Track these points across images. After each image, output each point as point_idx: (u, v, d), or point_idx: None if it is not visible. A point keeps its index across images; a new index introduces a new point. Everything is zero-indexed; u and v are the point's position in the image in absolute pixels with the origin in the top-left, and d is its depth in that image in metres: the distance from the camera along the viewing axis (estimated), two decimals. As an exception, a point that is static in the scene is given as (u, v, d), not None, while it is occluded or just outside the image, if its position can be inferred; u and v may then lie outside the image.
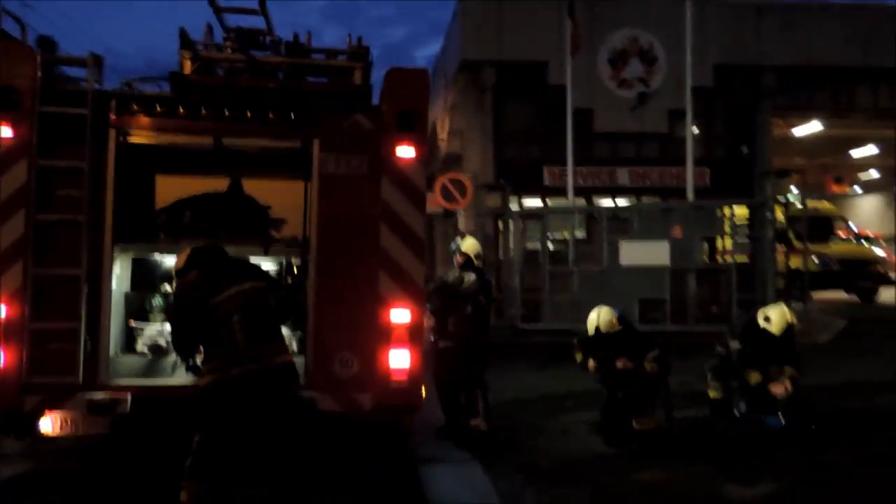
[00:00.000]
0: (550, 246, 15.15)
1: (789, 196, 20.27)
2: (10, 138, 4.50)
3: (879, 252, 21.00)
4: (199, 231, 5.07)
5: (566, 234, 16.24)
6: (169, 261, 5.40)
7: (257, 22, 5.02)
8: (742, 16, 18.83)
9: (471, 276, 6.24)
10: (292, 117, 4.82)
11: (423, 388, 4.91)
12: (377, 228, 4.84)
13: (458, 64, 18.14)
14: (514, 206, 17.22)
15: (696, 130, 17.54)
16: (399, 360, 4.79)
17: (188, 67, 4.74)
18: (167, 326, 5.13)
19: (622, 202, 18.60)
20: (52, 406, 4.52)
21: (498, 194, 16.91)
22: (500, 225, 17.27)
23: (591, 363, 6.69)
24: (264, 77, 4.89)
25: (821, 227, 17.94)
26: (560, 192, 17.58)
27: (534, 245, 16.23)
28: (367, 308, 4.83)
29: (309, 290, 4.87)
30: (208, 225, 5.09)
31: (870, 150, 26.71)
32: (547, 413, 7.62)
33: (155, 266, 5.42)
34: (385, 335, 4.80)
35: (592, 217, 16.13)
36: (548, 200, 18.37)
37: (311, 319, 4.85)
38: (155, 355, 5.03)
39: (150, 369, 4.99)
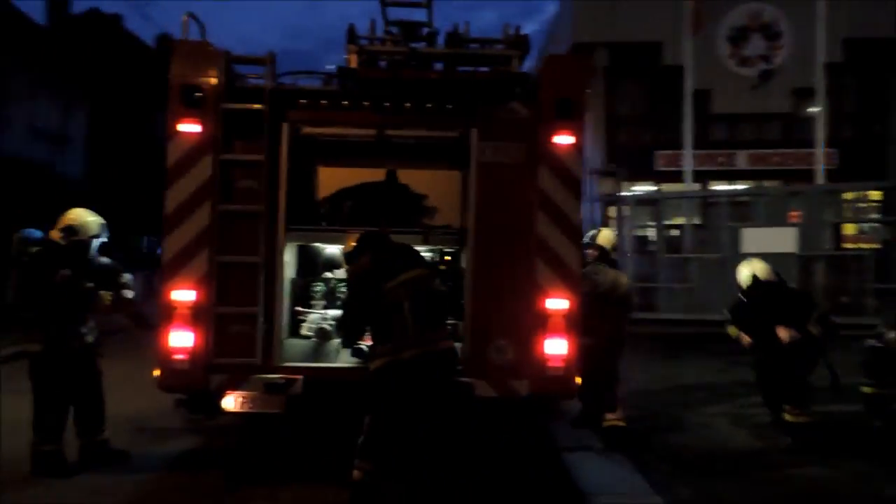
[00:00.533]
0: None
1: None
2: (197, 134, 4.83)
3: None
4: (359, 220, 5.28)
5: (680, 221, 15.81)
6: (330, 249, 5.66)
7: (414, 14, 5.18)
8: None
9: (624, 279, 6.16)
10: (451, 108, 4.94)
11: (577, 376, 4.94)
12: (534, 216, 4.88)
13: (571, 46, 17.90)
14: (623, 192, 16.93)
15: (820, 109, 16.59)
16: (556, 347, 4.83)
17: (353, 61, 4.92)
18: (330, 312, 5.42)
19: (740, 187, 17.91)
20: (234, 386, 4.86)
21: (610, 180, 16.65)
22: (611, 211, 17.01)
23: (745, 338, 6.28)
24: (425, 68, 5.01)
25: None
26: (673, 177, 17.14)
27: (643, 232, 15.91)
28: (524, 296, 4.89)
29: (466, 278, 4.98)
30: (368, 214, 5.29)
31: None
32: (679, 404, 7.49)
33: (317, 254, 5.69)
34: (542, 323, 4.85)
35: (708, 203, 15.62)
36: (661, 186, 17.92)
37: (467, 307, 4.97)
38: (320, 340, 5.29)
39: (316, 353, 5.26)
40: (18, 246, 5.23)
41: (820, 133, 14.91)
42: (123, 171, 24.87)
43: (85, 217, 5.25)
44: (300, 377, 4.85)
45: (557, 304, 4.85)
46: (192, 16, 4.95)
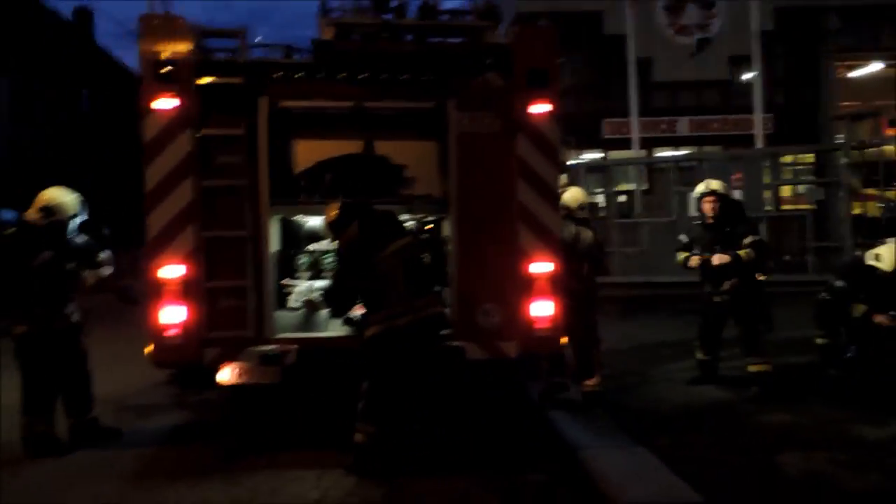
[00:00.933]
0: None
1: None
2: (173, 109, 4.77)
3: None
4: (339, 192, 5.32)
5: (628, 187, 16.25)
6: (312, 222, 5.68)
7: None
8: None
9: (588, 233, 6.14)
10: (427, 79, 5.01)
11: (563, 335, 5.14)
12: (515, 184, 5.03)
13: (513, 17, 18.00)
14: (572, 161, 17.26)
15: (756, 75, 17.23)
16: (542, 309, 5.03)
17: (328, 34, 4.92)
18: (315, 283, 5.47)
19: (683, 153, 18.50)
20: (229, 358, 4.88)
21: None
22: (563, 179, 17.30)
23: (693, 260, 6.50)
24: (399, 40, 5.05)
25: (885, 172, 17.66)
26: (619, 144, 17.56)
27: (593, 199, 16.28)
28: (509, 261, 5.05)
29: (451, 245, 5.10)
30: (348, 186, 5.33)
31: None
32: (646, 362, 7.79)
33: (299, 227, 5.71)
34: (527, 286, 5.03)
35: (654, 169, 16.10)
36: (608, 153, 18.35)
37: (453, 273, 5.10)
38: (308, 310, 5.34)
39: (305, 324, 5.32)
40: None
41: (757, 99, 15.54)
42: (49, 146, 23.97)
43: (62, 196, 5.17)
44: (294, 347, 4.91)
45: (542, 267, 5.03)
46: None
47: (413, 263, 4.55)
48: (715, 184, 6.67)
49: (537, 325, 5.05)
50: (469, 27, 5.10)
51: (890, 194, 17.61)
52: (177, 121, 4.77)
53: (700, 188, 6.71)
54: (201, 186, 4.81)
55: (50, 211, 5.08)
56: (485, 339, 5.08)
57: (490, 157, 5.08)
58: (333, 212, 4.75)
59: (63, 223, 5.12)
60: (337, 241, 4.77)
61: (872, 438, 5.05)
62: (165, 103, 4.74)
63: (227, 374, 4.90)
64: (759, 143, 15.20)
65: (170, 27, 4.78)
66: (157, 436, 5.46)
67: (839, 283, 6.53)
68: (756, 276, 6.47)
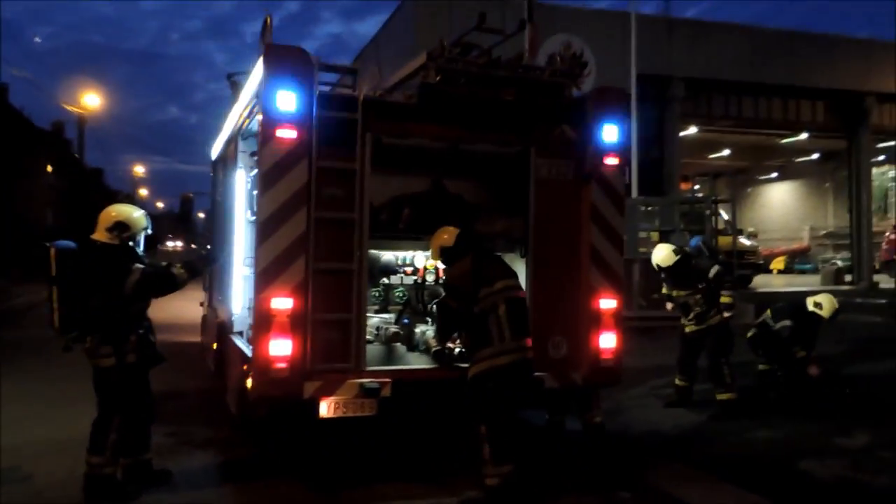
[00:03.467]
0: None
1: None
2: (293, 140, 4.73)
3: (748, 242, 24.32)
4: (417, 228, 5.51)
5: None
6: (386, 256, 5.75)
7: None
8: (655, 29, 20.93)
9: None
10: (515, 127, 5.43)
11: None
12: (587, 227, 5.55)
13: (410, 48, 18.60)
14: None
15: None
16: (608, 341, 5.56)
17: (431, 77, 5.14)
18: (387, 316, 5.57)
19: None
20: (327, 392, 4.83)
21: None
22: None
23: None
24: (494, 89, 5.38)
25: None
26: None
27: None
28: (579, 297, 5.55)
29: (527, 282, 5.48)
30: (425, 222, 5.51)
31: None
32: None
33: (375, 260, 5.72)
34: (595, 321, 5.54)
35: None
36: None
37: (529, 308, 5.47)
38: (389, 344, 5.43)
39: (389, 356, 5.39)
40: (59, 261, 4.73)
41: (633, 153, 17.39)
42: None
43: (131, 212, 4.96)
44: (387, 380, 4.99)
45: (608, 303, 5.58)
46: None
47: (517, 303, 4.84)
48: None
49: (603, 357, 5.57)
50: (553, 83, 5.53)
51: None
52: (296, 151, 4.73)
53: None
54: (314, 217, 4.79)
55: (123, 227, 4.83)
56: (556, 369, 5.50)
57: (563, 202, 5.58)
58: (446, 235, 4.95)
59: (136, 239, 4.92)
60: (443, 267, 4.97)
61: (851, 446, 6.13)
62: (287, 133, 4.70)
63: (325, 408, 4.86)
64: (634, 193, 16.99)
65: (295, 58, 4.77)
66: (210, 475, 5.21)
67: (785, 323, 7.77)
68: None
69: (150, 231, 5.02)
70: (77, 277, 4.66)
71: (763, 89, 22.01)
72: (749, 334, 8.09)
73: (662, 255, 7.61)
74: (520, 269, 5.44)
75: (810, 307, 7.76)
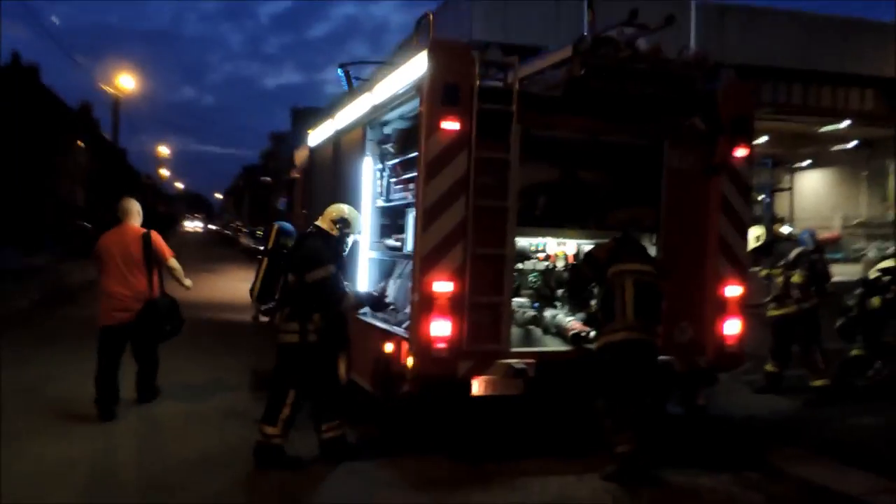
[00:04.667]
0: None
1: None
2: (456, 131, 4.96)
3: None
4: (552, 216, 5.73)
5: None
6: (520, 242, 5.96)
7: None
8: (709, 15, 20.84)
9: None
10: (652, 119, 5.62)
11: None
12: (716, 217, 5.75)
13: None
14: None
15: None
16: (733, 327, 5.78)
17: (576, 70, 5.32)
18: (520, 300, 5.82)
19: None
20: (478, 372, 5.10)
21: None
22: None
23: None
24: (634, 83, 5.56)
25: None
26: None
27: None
28: (706, 284, 5.76)
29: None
30: (559, 210, 5.74)
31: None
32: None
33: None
34: (722, 307, 5.76)
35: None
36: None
37: (658, 294, 5.70)
38: (524, 327, 5.70)
39: (526, 338, 5.66)
40: (278, 238, 5.52)
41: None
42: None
43: (354, 213, 5.48)
44: (532, 361, 5.24)
45: (734, 290, 5.79)
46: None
47: (645, 287, 5.10)
48: None
49: (728, 342, 5.79)
50: (686, 76, 5.68)
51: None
52: (457, 142, 4.97)
53: None
54: (473, 205, 5.03)
55: (346, 223, 5.38)
56: (682, 353, 5.72)
57: (693, 192, 5.77)
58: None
59: (348, 238, 5.44)
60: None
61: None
62: (451, 125, 4.92)
63: (477, 387, 5.13)
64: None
65: (459, 53, 4.98)
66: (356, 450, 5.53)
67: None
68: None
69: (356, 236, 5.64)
70: (288, 256, 5.24)
71: (813, 76, 21.78)
72: (838, 323, 8.23)
73: (754, 233, 7.59)
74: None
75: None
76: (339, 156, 7.43)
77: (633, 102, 5.49)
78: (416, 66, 5.13)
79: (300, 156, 10.39)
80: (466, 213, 5.02)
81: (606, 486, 4.89)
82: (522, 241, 5.89)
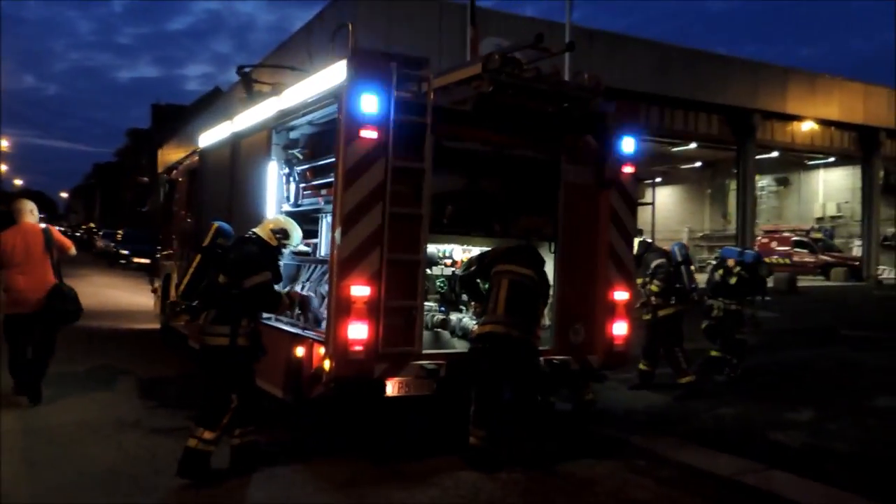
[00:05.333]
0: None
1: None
2: (373, 140, 5.10)
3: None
4: (457, 223, 6.00)
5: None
6: (429, 249, 6.17)
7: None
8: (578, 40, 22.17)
9: None
10: (550, 135, 6.04)
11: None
12: (606, 228, 6.26)
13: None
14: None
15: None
16: (621, 329, 6.30)
17: (485, 87, 5.60)
18: (429, 304, 6.04)
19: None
20: (394, 373, 5.26)
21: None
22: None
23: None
24: (535, 100, 5.92)
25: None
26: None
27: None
28: (598, 289, 6.26)
29: (554, 274, 6.11)
30: (466, 219, 6.02)
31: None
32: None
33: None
34: (611, 310, 6.27)
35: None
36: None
37: (556, 297, 6.12)
38: (433, 330, 5.91)
39: (435, 341, 5.87)
40: (215, 237, 5.43)
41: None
42: None
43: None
44: (443, 362, 5.48)
45: (622, 295, 6.32)
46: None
47: (518, 288, 5.50)
48: None
49: (616, 342, 6.31)
50: (581, 98, 6.12)
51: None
52: (375, 151, 5.11)
53: None
54: (389, 212, 5.19)
55: (286, 234, 5.37)
56: (576, 353, 6.18)
57: (586, 205, 6.26)
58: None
59: (283, 250, 5.48)
60: None
61: (799, 420, 7.22)
62: (368, 134, 5.07)
63: (391, 388, 5.29)
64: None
65: (377, 63, 5.13)
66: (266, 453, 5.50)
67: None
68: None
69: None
70: (222, 257, 5.14)
71: (668, 101, 23.85)
72: (703, 325, 9.14)
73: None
74: (549, 263, 6.06)
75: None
76: (239, 159, 7.33)
77: (535, 120, 5.88)
78: (334, 75, 5.24)
79: (167, 155, 10.16)
80: (383, 219, 5.18)
81: (515, 477, 5.20)
82: (431, 248, 6.12)
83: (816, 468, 5.55)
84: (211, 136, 8.48)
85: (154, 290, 11.82)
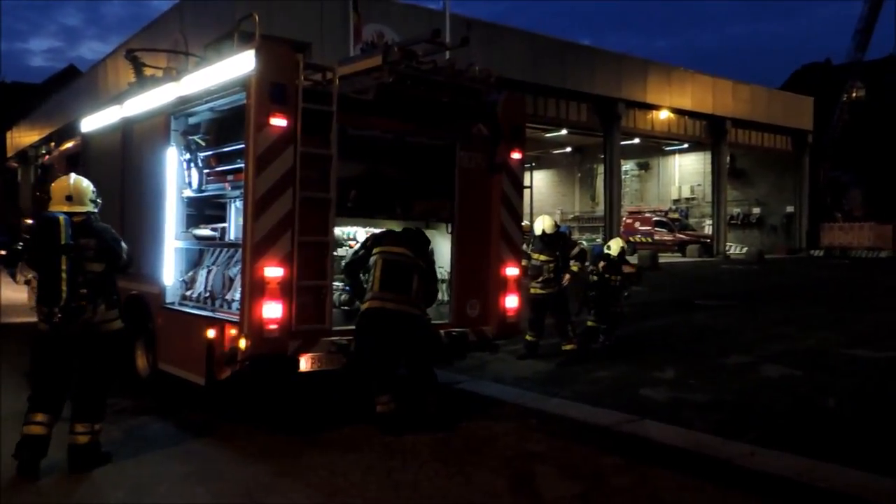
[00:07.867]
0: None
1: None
2: (283, 128, 5.31)
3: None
4: (366, 207, 6.34)
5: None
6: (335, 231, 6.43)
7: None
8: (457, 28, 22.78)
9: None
10: (446, 124, 6.49)
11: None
12: (497, 209, 6.80)
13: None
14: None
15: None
16: (512, 302, 6.89)
17: (385, 77, 5.93)
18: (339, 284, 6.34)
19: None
20: (305, 350, 5.54)
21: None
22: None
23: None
24: (432, 90, 6.30)
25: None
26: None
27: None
28: (491, 266, 6.80)
29: (451, 254, 6.60)
30: (372, 203, 6.36)
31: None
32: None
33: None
34: (503, 285, 6.83)
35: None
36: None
37: (453, 275, 6.61)
38: (340, 307, 6.21)
39: (344, 318, 6.17)
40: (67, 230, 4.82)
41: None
42: None
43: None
44: (352, 338, 5.82)
45: (512, 271, 6.91)
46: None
47: (392, 265, 5.89)
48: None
49: (509, 314, 6.89)
50: (474, 88, 6.58)
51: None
52: (285, 138, 5.33)
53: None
54: (299, 197, 5.43)
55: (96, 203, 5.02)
56: (473, 325, 6.71)
57: (479, 188, 6.77)
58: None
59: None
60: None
61: (671, 377, 8.17)
62: (279, 121, 5.27)
63: (304, 363, 5.57)
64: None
65: (284, 55, 5.33)
66: (182, 435, 5.63)
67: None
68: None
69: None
70: (82, 246, 4.77)
71: (540, 90, 25.03)
72: (581, 298, 9.99)
73: (550, 222, 9.11)
74: (447, 243, 6.54)
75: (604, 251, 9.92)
76: (132, 145, 7.25)
77: (432, 109, 6.30)
78: (241, 64, 5.39)
79: (19, 138, 9.68)
80: (294, 204, 5.42)
81: (422, 439, 5.65)
82: (336, 230, 6.41)
83: (680, 416, 6.39)
84: (96, 121, 8.24)
85: (28, 282, 11.22)
